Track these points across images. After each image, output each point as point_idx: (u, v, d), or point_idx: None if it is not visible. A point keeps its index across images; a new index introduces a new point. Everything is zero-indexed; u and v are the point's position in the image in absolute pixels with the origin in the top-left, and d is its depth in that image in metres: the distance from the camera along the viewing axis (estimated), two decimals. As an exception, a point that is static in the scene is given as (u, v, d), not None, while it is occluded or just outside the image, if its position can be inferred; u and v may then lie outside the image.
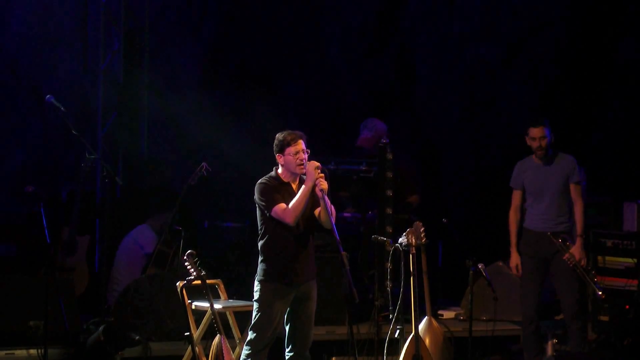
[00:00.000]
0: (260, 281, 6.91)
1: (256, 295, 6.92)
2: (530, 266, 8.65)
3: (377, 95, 12.26)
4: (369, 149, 10.00)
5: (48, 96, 8.73)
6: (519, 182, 8.77)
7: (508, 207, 8.91)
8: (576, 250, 8.58)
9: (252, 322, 6.93)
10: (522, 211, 8.83)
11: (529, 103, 12.17)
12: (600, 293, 8.89)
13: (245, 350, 6.94)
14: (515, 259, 8.72)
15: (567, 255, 8.56)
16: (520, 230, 8.87)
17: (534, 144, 8.62)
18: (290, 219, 6.77)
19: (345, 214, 10.09)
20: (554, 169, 8.67)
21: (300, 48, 12.02)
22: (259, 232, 6.93)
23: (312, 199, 6.83)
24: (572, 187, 8.67)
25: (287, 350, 6.99)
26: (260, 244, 6.93)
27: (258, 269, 6.92)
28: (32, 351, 8.24)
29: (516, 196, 8.80)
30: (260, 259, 6.92)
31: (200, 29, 11.84)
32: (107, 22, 11.25)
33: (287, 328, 6.97)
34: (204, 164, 9.57)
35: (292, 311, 6.94)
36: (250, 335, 6.93)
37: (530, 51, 12.21)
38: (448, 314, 10.03)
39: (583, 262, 8.63)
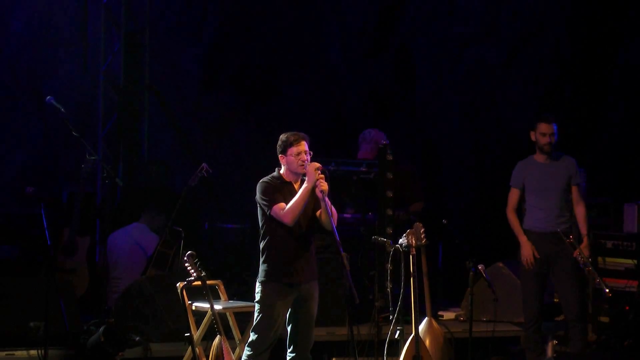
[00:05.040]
0: (261, 282, 6.91)
1: (257, 297, 6.92)
2: (532, 267, 8.63)
3: (378, 97, 12.26)
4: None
5: (48, 97, 8.73)
6: (520, 181, 8.69)
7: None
8: (586, 248, 8.58)
9: (254, 324, 6.93)
10: (520, 212, 8.78)
11: (530, 104, 12.17)
12: (607, 290, 8.87)
13: (247, 352, 6.94)
14: (528, 248, 8.54)
15: (577, 252, 8.53)
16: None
17: (544, 140, 8.55)
18: (288, 219, 6.77)
19: (346, 215, 10.09)
20: (557, 168, 8.63)
21: (301, 49, 12.03)
22: (260, 232, 6.93)
23: (314, 200, 6.83)
24: (574, 189, 8.65)
25: (288, 351, 6.99)
26: (261, 244, 6.93)
27: (259, 269, 6.92)
28: (33, 352, 8.22)
29: (514, 195, 8.71)
30: (261, 259, 6.92)
31: (200, 30, 11.85)
32: (107, 24, 11.27)
33: (288, 329, 6.97)
34: (204, 165, 9.58)
35: (294, 312, 6.93)
36: (252, 336, 6.92)
37: (530, 52, 12.21)
38: (448, 315, 10.03)
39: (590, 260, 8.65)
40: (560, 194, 8.61)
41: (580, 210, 8.68)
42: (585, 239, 8.61)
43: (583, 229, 8.65)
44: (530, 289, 8.64)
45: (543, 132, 8.57)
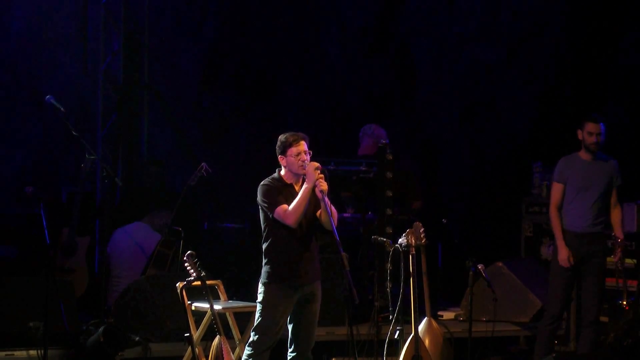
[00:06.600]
0: (264, 283, 6.89)
1: (260, 297, 6.90)
2: (566, 267, 8.55)
3: (377, 96, 12.27)
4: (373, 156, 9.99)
5: (48, 97, 8.72)
6: (564, 177, 8.60)
7: (507, 207, 8.87)
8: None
9: (255, 324, 6.91)
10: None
11: (529, 104, 12.18)
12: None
13: (247, 351, 6.92)
14: (565, 252, 8.48)
15: (619, 255, 8.55)
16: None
17: (591, 139, 8.49)
18: (291, 221, 6.76)
19: (345, 215, 10.09)
20: (601, 168, 8.59)
21: (300, 49, 12.03)
22: (262, 234, 6.92)
23: (314, 200, 6.83)
24: (614, 190, 8.64)
25: (289, 350, 6.98)
26: (264, 246, 6.91)
27: (262, 271, 6.90)
28: (32, 352, 8.21)
29: (558, 191, 8.60)
30: (264, 261, 6.90)
31: (200, 30, 11.85)
32: (107, 23, 11.27)
33: (290, 327, 6.96)
34: (203, 164, 9.58)
35: (297, 312, 6.92)
36: (253, 336, 6.91)
37: (529, 52, 12.22)
38: (448, 315, 10.03)
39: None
40: (601, 194, 8.56)
41: (617, 213, 8.70)
42: (622, 242, 8.65)
43: (620, 232, 8.66)
44: (559, 289, 8.59)
45: (590, 132, 8.50)
